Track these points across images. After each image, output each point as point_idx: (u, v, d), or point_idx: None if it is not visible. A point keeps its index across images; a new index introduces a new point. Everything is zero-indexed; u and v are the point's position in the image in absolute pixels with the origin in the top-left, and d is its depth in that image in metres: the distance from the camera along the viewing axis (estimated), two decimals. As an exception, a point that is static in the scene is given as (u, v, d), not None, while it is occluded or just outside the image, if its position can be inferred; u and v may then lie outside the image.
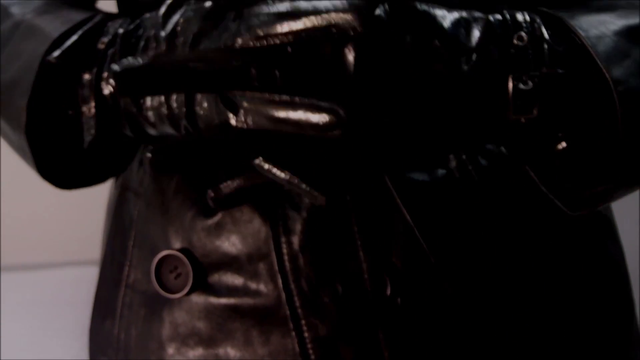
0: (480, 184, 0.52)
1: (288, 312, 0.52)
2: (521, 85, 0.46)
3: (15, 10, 0.60)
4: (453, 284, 0.52)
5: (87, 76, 0.53)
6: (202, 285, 0.54)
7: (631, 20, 0.49)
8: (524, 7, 0.50)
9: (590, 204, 0.50)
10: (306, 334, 0.52)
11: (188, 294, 0.54)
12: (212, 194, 0.51)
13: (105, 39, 0.54)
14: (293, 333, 0.52)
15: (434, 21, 0.47)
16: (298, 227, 0.52)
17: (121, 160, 0.59)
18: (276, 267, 0.52)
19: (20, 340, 1.26)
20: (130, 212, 0.59)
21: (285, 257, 0.52)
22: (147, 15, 0.54)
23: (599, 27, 0.48)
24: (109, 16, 0.56)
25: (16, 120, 0.54)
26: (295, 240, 0.52)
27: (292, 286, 0.52)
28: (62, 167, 0.56)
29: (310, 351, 0.52)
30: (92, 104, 0.53)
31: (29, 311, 1.30)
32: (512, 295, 0.53)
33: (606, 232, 0.61)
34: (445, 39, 0.46)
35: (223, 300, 0.54)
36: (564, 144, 0.48)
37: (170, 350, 0.55)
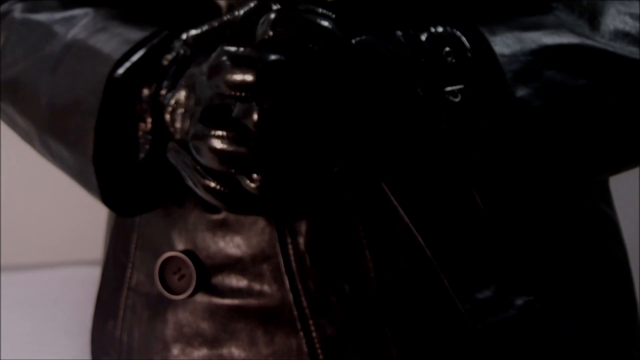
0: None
1: (296, 313, 0.52)
2: (452, 98, 0.48)
3: (61, 29, 0.58)
4: (454, 282, 0.52)
5: (146, 91, 0.52)
6: (205, 286, 0.54)
7: (551, 39, 0.50)
8: (446, 19, 0.51)
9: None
10: (314, 334, 0.52)
11: (191, 295, 0.54)
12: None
13: (170, 56, 0.52)
14: (301, 333, 0.52)
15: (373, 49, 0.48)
16: (303, 227, 0.52)
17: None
18: (283, 269, 0.52)
19: (20, 340, 1.26)
20: (132, 215, 0.59)
21: (292, 258, 0.52)
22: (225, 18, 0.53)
23: (517, 45, 0.49)
24: (174, 32, 0.54)
25: (79, 144, 0.52)
26: (301, 240, 0.52)
27: (299, 286, 0.52)
28: (122, 191, 0.54)
29: (319, 351, 0.52)
30: (149, 119, 0.52)
31: (29, 311, 1.29)
32: (514, 295, 0.53)
33: (610, 233, 0.61)
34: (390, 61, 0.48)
35: (227, 301, 0.54)
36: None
37: (175, 350, 0.56)
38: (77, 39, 0.56)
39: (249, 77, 0.43)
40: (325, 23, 0.45)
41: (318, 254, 0.52)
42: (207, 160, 0.45)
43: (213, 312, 0.54)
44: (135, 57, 0.52)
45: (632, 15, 0.53)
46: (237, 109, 0.46)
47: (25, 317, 1.28)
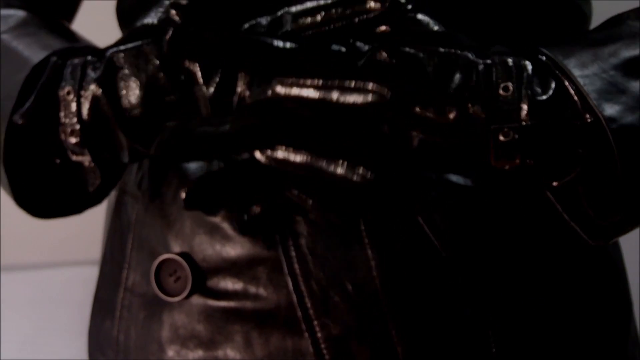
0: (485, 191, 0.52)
1: (300, 314, 0.52)
2: (501, 137, 0.47)
3: None
4: (463, 278, 0.52)
5: (68, 129, 0.53)
6: (201, 289, 0.55)
7: (631, 51, 0.49)
8: (521, 45, 0.50)
9: (609, 234, 0.50)
10: (319, 334, 0.52)
11: (187, 297, 0.54)
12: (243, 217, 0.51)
13: (68, 88, 0.53)
14: (305, 334, 0.52)
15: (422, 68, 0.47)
16: (305, 228, 0.52)
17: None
18: (286, 270, 0.53)
19: (20, 340, 1.27)
20: (129, 215, 0.60)
21: (294, 259, 0.52)
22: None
23: (596, 62, 0.48)
24: (65, 57, 0.55)
25: None
26: (303, 242, 0.52)
27: (303, 287, 0.52)
28: (35, 194, 0.56)
29: (324, 351, 0.52)
30: (88, 157, 0.53)
31: (29, 311, 1.30)
32: (514, 294, 0.54)
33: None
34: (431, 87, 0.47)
35: (223, 304, 0.54)
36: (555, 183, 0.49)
37: (170, 352, 0.56)
38: (2, 38, 0.58)
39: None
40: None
41: (320, 254, 0.52)
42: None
43: (208, 315, 0.54)
44: (37, 89, 0.53)
45: None
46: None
47: (25, 317, 1.29)
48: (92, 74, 0.53)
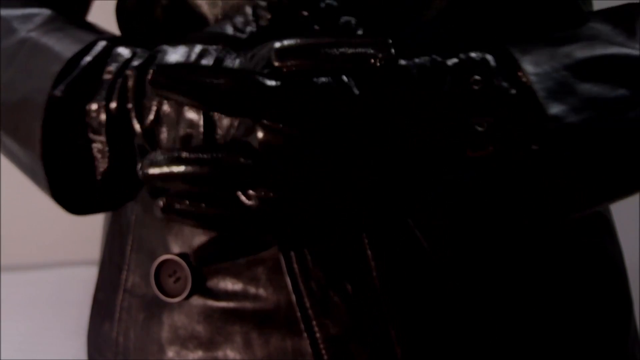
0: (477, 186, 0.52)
1: (298, 314, 0.52)
2: (477, 127, 0.47)
3: (19, 25, 0.59)
4: (456, 282, 0.52)
5: (94, 106, 0.53)
6: (201, 289, 0.55)
7: (585, 52, 0.49)
8: (481, 42, 0.51)
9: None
10: (318, 334, 0.52)
11: (187, 298, 0.54)
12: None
13: (112, 68, 0.53)
14: (304, 334, 0.52)
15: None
16: None
17: (135, 186, 0.58)
18: (285, 270, 0.52)
19: (20, 340, 1.27)
20: (128, 217, 0.60)
21: (293, 259, 0.52)
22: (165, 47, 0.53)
23: (550, 62, 0.49)
24: (115, 41, 0.55)
25: (28, 141, 0.53)
26: None
27: (302, 287, 0.52)
28: (75, 192, 0.55)
29: (323, 351, 0.52)
30: (103, 137, 0.53)
31: (29, 311, 1.30)
32: (512, 293, 0.54)
33: (604, 231, 0.61)
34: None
35: (222, 304, 0.54)
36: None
37: (170, 353, 0.56)
38: (31, 35, 0.57)
39: (254, 100, 0.44)
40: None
41: (319, 254, 0.52)
42: (209, 173, 0.46)
43: (208, 315, 0.54)
44: (74, 73, 0.53)
45: None
46: (240, 127, 0.47)
47: (25, 317, 1.29)
48: (135, 62, 0.53)
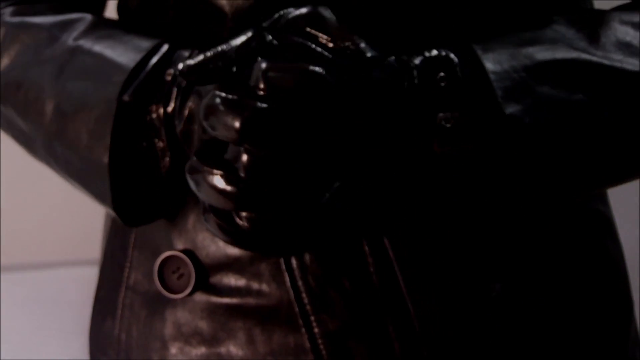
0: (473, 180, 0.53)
1: (297, 309, 0.53)
2: (444, 123, 0.48)
3: (60, 33, 0.58)
4: (457, 277, 0.53)
5: (154, 108, 0.53)
6: (204, 285, 0.55)
7: (546, 54, 0.50)
8: (444, 39, 0.51)
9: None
10: (316, 330, 0.52)
11: (190, 294, 0.54)
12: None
13: (172, 70, 0.53)
14: (303, 329, 0.53)
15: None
16: None
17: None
18: (283, 266, 0.53)
19: (20, 340, 1.27)
20: (130, 214, 0.60)
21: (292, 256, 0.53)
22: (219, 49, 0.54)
23: (511, 61, 0.49)
24: (175, 45, 0.55)
25: (90, 150, 0.53)
26: None
27: (300, 283, 0.53)
28: (132, 200, 0.55)
29: (321, 347, 0.52)
30: (164, 136, 0.53)
31: (29, 311, 1.30)
32: (511, 293, 0.54)
33: (605, 231, 0.61)
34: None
35: (225, 300, 0.54)
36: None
37: (174, 349, 0.56)
38: (80, 44, 0.56)
39: (236, 124, 0.43)
40: (317, 69, 0.44)
41: (318, 251, 0.53)
42: (202, 194, 0.46)
43: (211, 311, 0.55)
44: (147, 68, 0.53)
45: (634, 26, 0.53)
46: (229, 150, 0.47)
47: (25, 317, 1.29)
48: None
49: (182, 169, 0.50)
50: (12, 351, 1.24)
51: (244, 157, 0.44)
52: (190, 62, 0.45)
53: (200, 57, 0.46)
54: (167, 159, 0.53)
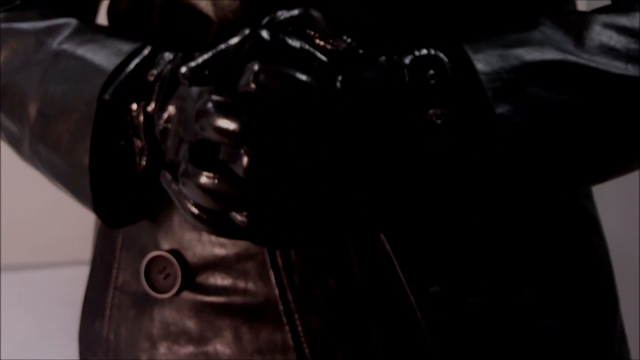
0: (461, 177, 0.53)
1: (281, 307, 0.53)
2: (435, 120, 0.49)
3: (46, 38, 0.59)
4: (439, 275, 0.53)
5: (134, 106, 0.53)
6: (190, 285, 0.55)
7: (534, 55, 0.51)
8: (433, 39, 0.52)
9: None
10: (300, 328, 0.53)
11: (177, 293, 0.55)
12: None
13: (155, 71, 0.53)
14: (287, 327, 0.53)
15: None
16: None
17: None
18: (268, 264, 0.53)
19: (20, 340, 1.27)
20: (118, 215, 0.60)
21: (278, 253, 0.53)
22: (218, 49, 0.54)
23: (501, 62, 0.50)
24: (157, 48, 0.55)
25: (72, 152, 0.53)
26: None
27: (285, 281, 0.53)
28: (113, 201, 0.55)
29: (304, 344, 0.53)
30: (142, 135, 0.53)
31: (28, 311, 1.30)
32: (496, 289, 0.54)
33: (591, 228, 0.62)
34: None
35: (212, 299, 0.55)
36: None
37: (162, 349, 0.56)
38: (64, 48, 0.57)
39: (234, 127, 0.44)
40: (303, 77, 0.44)
41: (303, 249, 0.53)
42: (196, 197, 0.46)
43: (198, 310, 0.55)
44: (127, 69, 0.53)
45: (618, 30, 0.53)
46: (223, 152, 0.47)
47: (25, 317, 1.29)
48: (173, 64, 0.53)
49: (159, 168, 0.51)
50: (11, 351, 1.25)
51: (244, 159, 0.45)
52: (192, 64, 0.46)
53: (200, 59, 0.46)
54: (145, 158, 0.53)
